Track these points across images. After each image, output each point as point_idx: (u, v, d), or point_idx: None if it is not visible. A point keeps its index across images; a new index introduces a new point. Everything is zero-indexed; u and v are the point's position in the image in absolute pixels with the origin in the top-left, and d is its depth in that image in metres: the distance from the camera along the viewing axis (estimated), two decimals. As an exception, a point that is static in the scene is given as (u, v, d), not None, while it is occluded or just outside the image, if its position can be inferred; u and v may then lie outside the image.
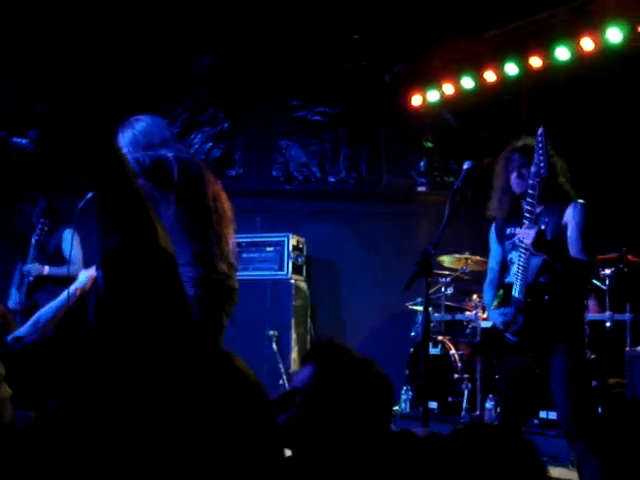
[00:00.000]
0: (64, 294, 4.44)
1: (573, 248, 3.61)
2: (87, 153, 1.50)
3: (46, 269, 5.47)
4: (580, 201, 3.71)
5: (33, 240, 5.47)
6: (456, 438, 1.45)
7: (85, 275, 4.58)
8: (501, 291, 3.81)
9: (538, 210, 3.66)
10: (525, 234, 3.56)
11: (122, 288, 1.41)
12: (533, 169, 3.61)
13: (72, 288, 4.59)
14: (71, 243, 5.43)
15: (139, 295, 1.41)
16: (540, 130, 3.60)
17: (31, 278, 5.46)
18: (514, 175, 3.73)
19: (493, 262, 3.97)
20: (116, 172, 1.52)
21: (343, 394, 1.63)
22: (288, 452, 1.61)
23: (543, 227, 3.63)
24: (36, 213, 5.60)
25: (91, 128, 1.52)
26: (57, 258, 5.53)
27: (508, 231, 3.82)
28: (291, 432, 1.59)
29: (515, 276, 3.66)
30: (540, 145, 3.58)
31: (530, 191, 3.61)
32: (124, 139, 4.02)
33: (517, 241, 3.66)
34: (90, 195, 3.91)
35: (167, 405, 1.22)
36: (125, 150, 4.03)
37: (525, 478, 1.42)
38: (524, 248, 3.62)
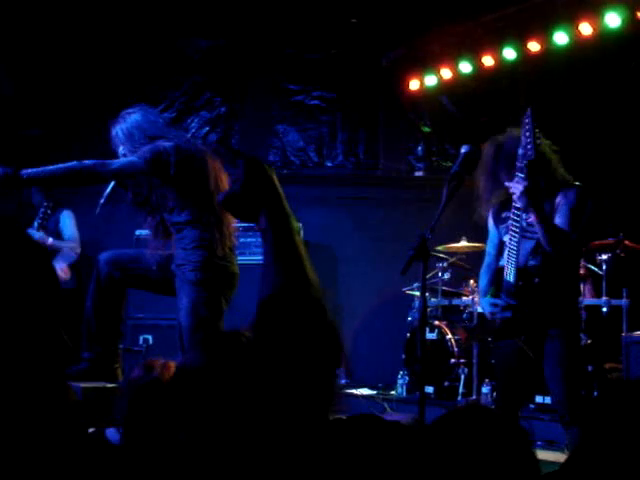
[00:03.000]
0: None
1: (558, 220, 3.61)
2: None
3: (50, 240, 5.57)
4: (576, 183, 3.71)
5: (40, 212, 5.55)
6: (442, 422, 1.46)
7: (66, 250, 4.64)
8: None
9: None
10: (515, 186, 3.55)
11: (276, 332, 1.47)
12: (520, 151, 3.58)
13: (57, 265, 4.67)
14: (69, 224, 5.55)
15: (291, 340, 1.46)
16: (528, 112, 3.56)
17: None
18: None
19: (490, 246, 3.97)
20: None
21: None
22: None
23: None
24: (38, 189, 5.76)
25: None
26: (56, 237, 5.67)
27: (504, 215, 3.82)
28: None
29: (507, 259, 3.66)
30: (527, 127, 3.55)
31: (519, 174, 3.58)
32: (119, 136, 4.03)
33: (511, 218, 3.64)
34: (109, 190, 3.98)
35: None
36: (122, 149, 4.04)
37: (513, 460, 1.42)
38: (515, 230, 3.61)
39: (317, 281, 1.52)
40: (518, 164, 3.59)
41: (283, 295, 1.45)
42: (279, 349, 1.40)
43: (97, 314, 4.12)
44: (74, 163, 3.79)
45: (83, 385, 3.80)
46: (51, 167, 3.77)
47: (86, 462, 1.34)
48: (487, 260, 3.99)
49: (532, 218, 3.56)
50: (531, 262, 3.65)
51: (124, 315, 4.33)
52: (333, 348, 1.55)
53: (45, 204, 5.56)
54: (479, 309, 6.07)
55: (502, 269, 3.72)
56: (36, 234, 5.45)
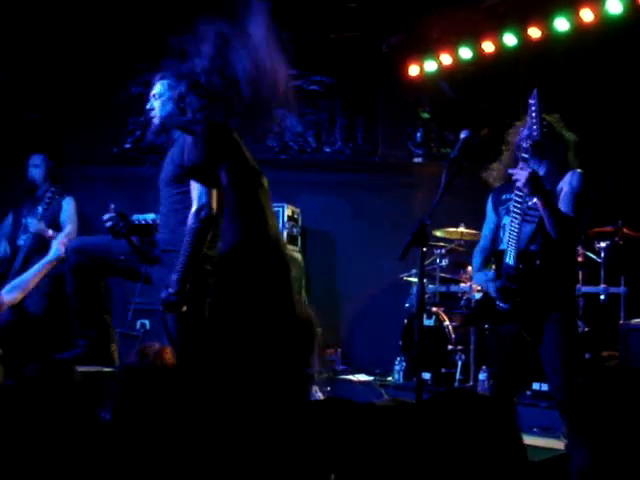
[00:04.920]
0: (37, 265, 4.57)
1: (563, 205, 3.60)
2: None
3: (50, 232, 5.48)
4: (579, 170, 3.70)
5: (47, 197, 5.48)
6: (428, 404, 1.45)
7: (56, 245, 4.62)
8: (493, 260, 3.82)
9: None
10: (519, 173, 3.54)
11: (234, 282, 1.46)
12: (526, 132, 3.60)
13: (46, 259, 4.67)
14: (71, 213, 5.52)
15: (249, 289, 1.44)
16: (534, 92, 3.57)
17: (28, 234, 5.47)
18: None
19: (486, 229, 3.96)
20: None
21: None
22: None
23: None
24: (42, 171, 5.74)
25: None
26: (53, 225, 5.57)
27: (504, 197, 3.81)
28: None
29: (507, 243, 3.66)
30: (533, 108, 3.56)
31: (523, 154, 3.59)
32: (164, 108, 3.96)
33: (513, 200, 3.64)
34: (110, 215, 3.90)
35: None
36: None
37: (500, 444, 1.42)
38: (516, 213, 3.61)
39: (278, 239, 1.51)
40: (523, 145, 3.59)
41: (240, 252, 1.44)
42: (237, 306, 1.39)
43: (79, 301, 4.10)
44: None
45: (80, 369, 3.80)
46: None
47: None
48: (482, 243, 3.98)
49: (537, 203, 3.55)
50: (531, 246, 3.64)
51: (107, 293, 4.28)
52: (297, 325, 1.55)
53: (53, 190, 5.50)
54: (477, 296, 6.07)
55: (501, 253, 3.71)
56: (36, 225, 5.40)
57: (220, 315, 1.39)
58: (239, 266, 1.44)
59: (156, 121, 3.98)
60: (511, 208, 3.66)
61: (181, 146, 3.66)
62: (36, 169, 5.78)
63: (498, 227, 3.84)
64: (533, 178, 3.48)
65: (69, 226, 4.95)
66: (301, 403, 1.48)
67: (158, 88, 4.01)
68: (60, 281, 5.31)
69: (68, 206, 5.73)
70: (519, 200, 3.61)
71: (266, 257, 1.46)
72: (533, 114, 3.56)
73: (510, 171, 3.64)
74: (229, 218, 1.50)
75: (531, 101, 3.57)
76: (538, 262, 3.60)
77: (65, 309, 4.18)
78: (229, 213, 1.51)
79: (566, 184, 3.65)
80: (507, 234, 3.68)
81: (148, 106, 4.04)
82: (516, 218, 3.62)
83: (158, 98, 4.00)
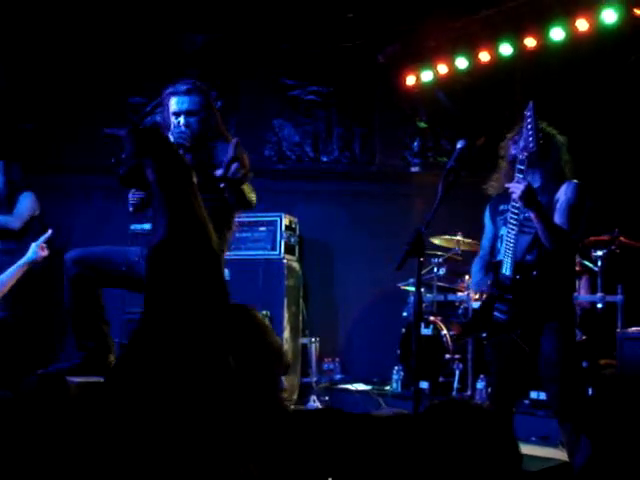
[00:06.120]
0: (12, 267, 4.59)
1: (558, 218, 3.62)
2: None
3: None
4: (575, 181, 3.72)
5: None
6: (425, 417, 1.46)
7: (34, 248, 4.62)
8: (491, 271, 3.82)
9: (534, 187, 3.66)
10: (515, 187, 3.56)
11: (165, 281, 1.44)
12: (522, 144, 3.63)
13: (21, 261, 4.66)
14: (22, 202, 5.60)
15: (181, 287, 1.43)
16: (530, 104, 3.59)
17: None
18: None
19: (485, 240, 3.99)
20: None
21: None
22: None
23: None
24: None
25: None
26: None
27: (501, 208, 3.83)
28: None
29: (504, 253, 3.67)
30: (529, 120, 3.58)
31: (519, 166, 3.61)
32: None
33: (510, 211, 3.65)
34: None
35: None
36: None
37: (496, 454, 1.42)
38: (513, 224, 3.62)
39: (208, 233, 1.51)
40: (519, 156, 3.61)
41: (168, 249, 1.44)
42: (168, 303, 1.39)
43: (77, 311, 4.08)
44: None
45: (78, 380, 3.79)
46: None
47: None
48: (481, 253, 4.01)
49: (531, 215, 3.57)
50: (528, 257, 3.66)
51: (105, 304, 4.27)
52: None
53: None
54: (474, 305, 6.08)
55: (498, 263, 3.73)
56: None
57: (153, 310, 1.40)
58: (170, 263, 1.45)
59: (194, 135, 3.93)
60: (507, 218, 3.68)
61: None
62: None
63: (496, 238, 3.85)
64: (528, 192, 3.50)
65: (50, 231, 4.95)
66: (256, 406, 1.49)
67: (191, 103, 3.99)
68: (33, 285, 5.36)
69: (25, 198, 5.83)
70: (515, 212, 3.63)
71: (197, 255, 1.46)
72: (529, 126, 3.58)
73: (506, 185, 3.66)
74: (155, 213, 1.51)
75: (527, 113, 3.59)
76: (535, 273, 3.61)
77: (42, 312, 4.16)
78: (155, 207, 1.53)
79: (562, 195, 3.67)
80: (504, 245, 3.69)
81: (183, 121, 3.97)
82: (512, 229, 3.63)
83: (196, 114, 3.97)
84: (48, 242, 4.75)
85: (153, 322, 1.39)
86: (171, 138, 3.88)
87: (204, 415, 1.30)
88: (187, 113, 3.93)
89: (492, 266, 3.82)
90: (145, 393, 1.30)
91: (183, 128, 3.88)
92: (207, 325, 1.39)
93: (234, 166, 3.41)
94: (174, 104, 3.97)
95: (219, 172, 3.49)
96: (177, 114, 3.94)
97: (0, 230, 5.64)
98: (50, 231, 4.63)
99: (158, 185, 1.50)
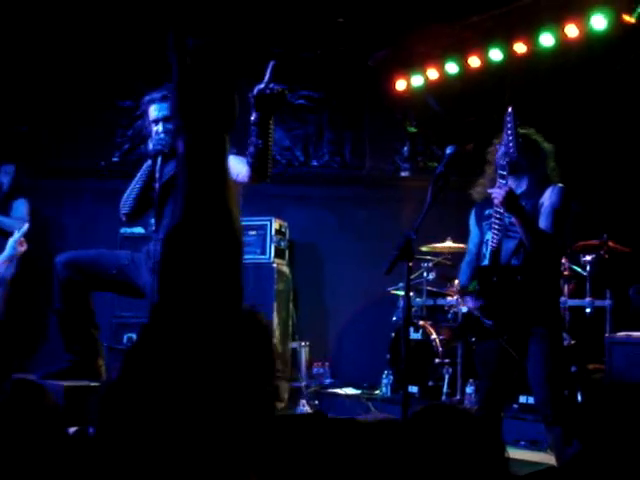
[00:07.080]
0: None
1: (542, 222, 3.63)
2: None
3: None
4: (559, 185, 3.73)
5: None
6: (412, 421, 1.46)
7: (12, 243, 4.56)
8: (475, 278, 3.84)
9: (519, 192, 3.68)
10: (496, 192, 3.57)
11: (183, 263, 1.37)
12: (502, 150, 3.62)
13: (12, 240, 4.58)
14: (20, 208, 5.63)
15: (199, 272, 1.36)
16: (509, 110, 3.59)
17: None
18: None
19: (471, 244, 3.99)
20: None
21: None
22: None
23: None
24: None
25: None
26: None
27: (487, 212, 3.84)
28: None
29: (489, 258, 3.68)
30: (509, 125, 3.58)
31: (500, 171, 3.61)
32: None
33: (493, 217, 3.67)
34: None
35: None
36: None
37: (483, 458, 1.42)
38: (497, 230, 3.63)
39: (232, 219, 1.43)
40: (500, 162, 3.62)
41: (184, 233, 1.37)
42: (183, 289, 1.33)
43: (67, 315, 4.07)
44: None
45: (65, 384, 3.78)
46: None
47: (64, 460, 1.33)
48: (467, 258, 4.01)
49: (514, 220, 3.58)
50: (513, 261, 3.67)
51: (94, 308, 4.24)
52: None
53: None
54: (464, 309, 6.09)
55: (483, 269, 3.74)
56: None
57: (166, 297, 1.33)
58: (191, 243, 1.37)
59: None
60: (492, 223, 3.69)
61: None
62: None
63: (482, 242, 3.86)
64: (509, 197, 3.51)
65: (26, 225, 4.90)
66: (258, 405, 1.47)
67: None
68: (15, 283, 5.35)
69: (20, 204, 5.85)
70: (498, 217, 3.64)
71: (221, 240, 1.39)
72: (509, 131, 3.58)
73: (488, 190, 3.67)
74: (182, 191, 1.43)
75: (507, 118, 3.58)
76: (519, 277, 3.62)
77: (23, 312, 4.12)
78: (182, 185, 1.44)
79: (546, 199, 3.68)
80: (489, 249, 3.70)
81: (161, 129, 3.95)
82: (497, 235, 3.65)
83: None
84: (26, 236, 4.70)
85: (164, 314, 1.34)
86: (150, 146, 3.91)
87: (208, 418, 1.28)
88: (165, 120, 3.94)
89: (477, 271, 3.83)
90: (156, 389, 1.27)
91: (162, 135, 3.89)
92: (220, 324, 1.34)
93: (274, 85, 3.35)
94: (152, 111, 4.00)
95: (257, 88, 3.43)
96: (156, 121, 3.97)
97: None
98: (27, 225, 4.58)
99: (188, 160, 1.41)
